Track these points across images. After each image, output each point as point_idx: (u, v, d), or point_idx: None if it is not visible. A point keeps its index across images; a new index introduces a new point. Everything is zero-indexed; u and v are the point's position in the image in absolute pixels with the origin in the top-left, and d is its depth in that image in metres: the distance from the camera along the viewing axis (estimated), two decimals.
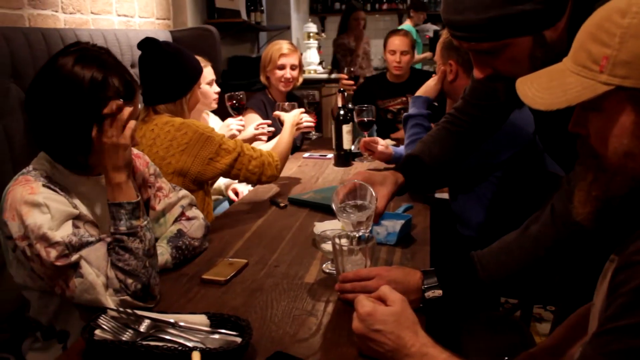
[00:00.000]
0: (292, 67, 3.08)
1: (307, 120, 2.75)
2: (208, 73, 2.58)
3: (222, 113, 2.80)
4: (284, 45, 3.11)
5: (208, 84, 2.59)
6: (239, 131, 2.45)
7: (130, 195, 1.29)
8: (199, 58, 2.55)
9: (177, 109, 1.96)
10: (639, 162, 0.80)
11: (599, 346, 0.75)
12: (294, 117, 2.35)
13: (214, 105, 2.68)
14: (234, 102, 2.56)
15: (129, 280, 1.23)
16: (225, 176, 1.93)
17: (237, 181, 2.59)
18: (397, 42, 3.35)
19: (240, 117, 2.55)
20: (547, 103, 0.85)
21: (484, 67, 1.24)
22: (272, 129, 2.58)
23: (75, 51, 1.28)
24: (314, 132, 3.05)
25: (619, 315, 0.74)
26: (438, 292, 1.24)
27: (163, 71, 1.90)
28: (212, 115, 2.86)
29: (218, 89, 2.65)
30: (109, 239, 1.26)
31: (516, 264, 1.29)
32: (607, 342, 0.74)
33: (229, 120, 2.55)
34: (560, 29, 1.15)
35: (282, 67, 3.06)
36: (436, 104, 2.36)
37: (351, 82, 3.49)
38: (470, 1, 1.13)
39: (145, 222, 1.30)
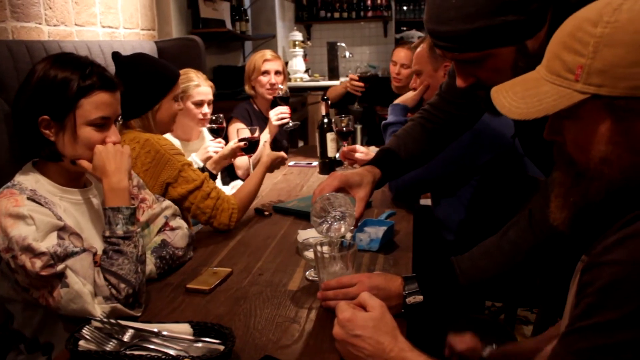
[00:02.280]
0: (276, 73, 3.10)
1: (282, 112, 2.80)
2: (198, 93, 2.49)
3: None
4: (266, 52, 3.14)
5: (196, 104, 2.49)
6: (216, 152, 2.36)
7: (128, 201, 1.34)
8: (197, 76, 2.50)
9: (145, 123, 1.88)
10: (614, 168, 0.82)
11: (567, 345, 0.78)
12: (270, 159, 2.12)
13: (199, 126, 2.60)
14: (213, 125, 2.54)
15: (122, 285, 1.25)
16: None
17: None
18: (400, 54, 3.33)
19: (220, 140, 2.50)
20: (523, 112, 0.86)
21: (467, 76, 1.27)
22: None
23: (51, 56, 1.36)
24: (290, 122, 3.00)
25: (586, 314, 0.76)
26: (419, 298, 1.27)
27: (127, 84, 1.71)
28: (207, 132, 2.77)
29: (207, 111, 2.54)
30: (94, 250, 1.29)
31: (496, 268, 1.31)
32: (575, 341, 0.77)
33: (208, 142, 2.51)
34: (541, 39, 1.18)
35: (267, 73, 3.08)
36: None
37: (361, 83, 3.34)
38: (454, 12, 1.15)
39: (139, 229, 1.35)
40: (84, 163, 1.35)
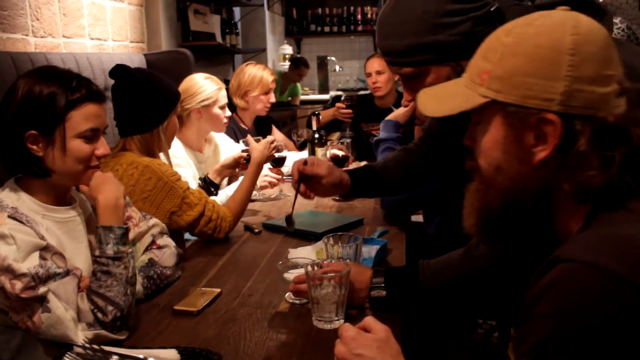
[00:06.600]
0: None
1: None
2: (223, 97, 2.45)
3: None
4: (270, 71, 3.10)
5: (221, 108, 2.44)
6: (271, 183, 2.36)
7: (121, 220, 1.32)
8: (212, 77, 2.46)
9: (154, 138, 1.83)
10: (506, 177, 0.84)
11: None
12: (260, 153, 2.06)
13: (222, 130, 2.56)
14: (276, 153, 2.43)
15: (109, 308, 1.21)
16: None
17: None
18: (373, 64, 3.36)
19: (279, 170, 2.41)
20: (433, 110, 0.92)
21: (410, 90, 1.31)
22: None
23: (32, 71, 1.32)
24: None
25: None
26: (383, 293, 1.31)
27: (137, 99, 1.78)
28: (220, 139, 2.71)
29: (229, 114, 2.51)
30: (78, 272, 1.24)
31: (457, 280, 1.33)
32: None
33: (266, 170, 2.35)
34: None
35: (269, 92, 3.08)
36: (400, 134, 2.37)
37: (349, 111, 3.34)
38: (391, 28, 1.23)
39: (131, 250, 1.32)
40: (84, 188, 1.36)
